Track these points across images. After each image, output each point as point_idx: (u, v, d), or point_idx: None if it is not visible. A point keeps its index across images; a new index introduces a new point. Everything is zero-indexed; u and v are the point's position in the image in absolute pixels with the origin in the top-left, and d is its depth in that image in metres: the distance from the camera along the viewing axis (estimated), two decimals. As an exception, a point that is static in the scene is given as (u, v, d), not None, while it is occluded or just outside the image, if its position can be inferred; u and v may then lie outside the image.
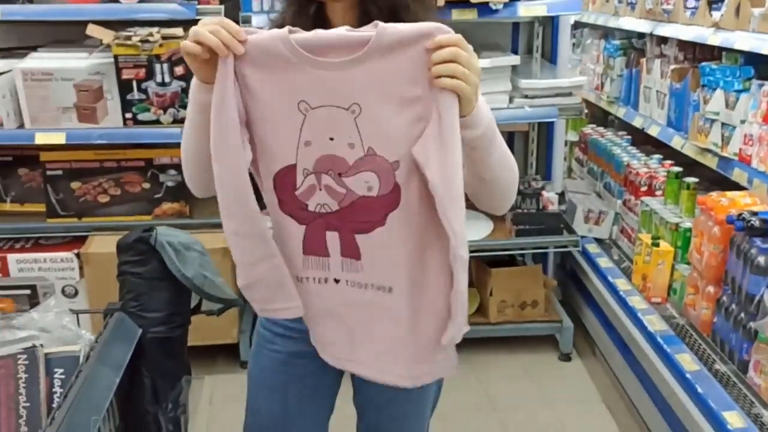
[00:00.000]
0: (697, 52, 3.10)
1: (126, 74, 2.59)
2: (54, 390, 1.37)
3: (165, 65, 2.59)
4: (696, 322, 2.39)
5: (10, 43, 3.03)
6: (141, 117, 2.65)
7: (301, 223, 1.21)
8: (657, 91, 3.17)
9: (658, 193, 2.94)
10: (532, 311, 3.07)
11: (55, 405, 1.34)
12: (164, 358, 1.54)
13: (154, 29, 2.60)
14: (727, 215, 2.19)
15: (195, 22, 2.70)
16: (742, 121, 2.44)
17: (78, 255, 2.78)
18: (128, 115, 2.65)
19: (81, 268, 2.79)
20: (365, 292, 1.22)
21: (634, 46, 3.64)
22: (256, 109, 1.15)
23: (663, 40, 3.26)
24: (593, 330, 3.04)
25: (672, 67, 3.05)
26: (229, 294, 1.64)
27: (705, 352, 2.26)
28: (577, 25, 4.27)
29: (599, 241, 3.20)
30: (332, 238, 1.20)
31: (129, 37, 2.56)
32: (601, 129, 3.79)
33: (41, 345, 1.37)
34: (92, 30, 2.62)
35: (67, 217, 2.84)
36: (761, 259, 2.02)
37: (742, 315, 2.10)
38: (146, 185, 2.84)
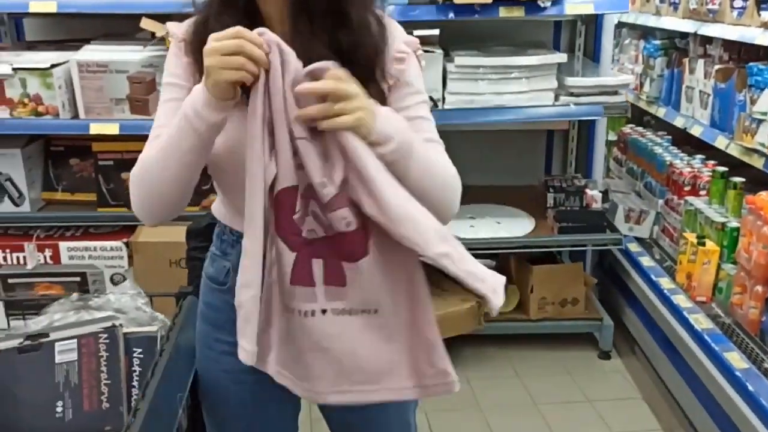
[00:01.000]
0: (742, 53, 3.09)
1: (179, 67, 2.64)
2: (133, 369, 1.40)
3: (218, 59, 2.63)
4: (743, 321, 2.39)
5: (61, 36, 3.09)
6: (193, 109, 2.69)
7: (292, 250, 1.17)
8: (700, 91, 3.17)
9: (702, 192, 2.94)
10: (573, 309, 3.08)
11: (134, 383, 1.38)
12: (233, 341, 1.58)
13: (207, 23, 2.64)
14: (778, 215, 2.19)
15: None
16: (792, 122, 2.44)
17: (127, 244, 2.84)
18: (180, 108, 2.69)
19: (130, 256, 2.85)
20: (353, 319, 1.17)
21: (675, 46, 3.63)
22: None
23: (707, 40, 3.25)
24: (634, 328, 3.05)
25: (716, 67, 3.05)
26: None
27: (753, 350, 2.26)
28: (616, 25, 4.26)
29: (639, 240, 3.21)
30: (317, 266, 1.17)
31: (183, 31, 2.60)
32: (640, 129, 3.79)
33: (120, 325, 1.41)
34: (146, 23, 2.67)
35: (117, 206, 2.90)
36: (815, 259, 2.02)
37: (793, 314, 2.11)
38: (194, 177, 2.88)
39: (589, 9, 2.73)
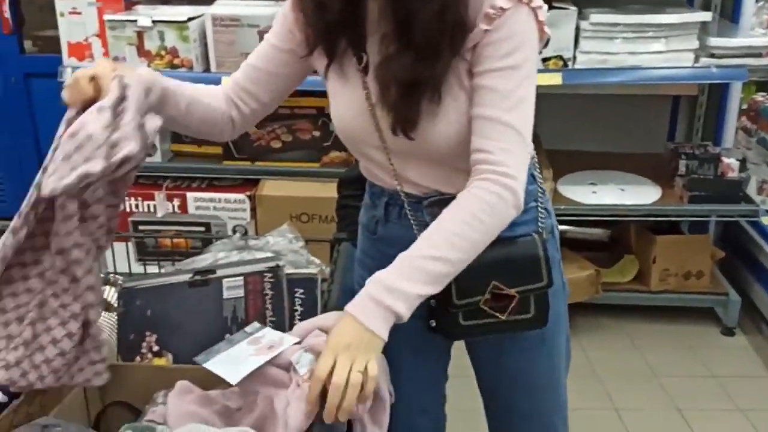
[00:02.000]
0: None
1: (309, 22, 2.65)
2: (295, 308, 1.44)
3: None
4: None
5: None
6: (320, 65, 2.71)
7: None
8: None
9: None
10: (697, 282, 2.97)
11: (296, 322, 1.41)
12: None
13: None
14: None
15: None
16: None
17: (250, 197, 2.90)
18: (308, 63, 2.72)
19: (252, 209, 2.92)
20: None
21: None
22: None
23: None
24: (763, 305, 2.91)
25: None
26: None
27: None
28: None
29: (771, 213, 3.04)
30: None
31: (315, -15, 2.61)
32: (774, 97, 3.57)
33: (284, 265, 1.44)
34: (277, -22, 2.69)
35: (241, 160, 2.97)
36: None
37: None
38: (316, 133, 2.92)
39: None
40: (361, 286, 1.38)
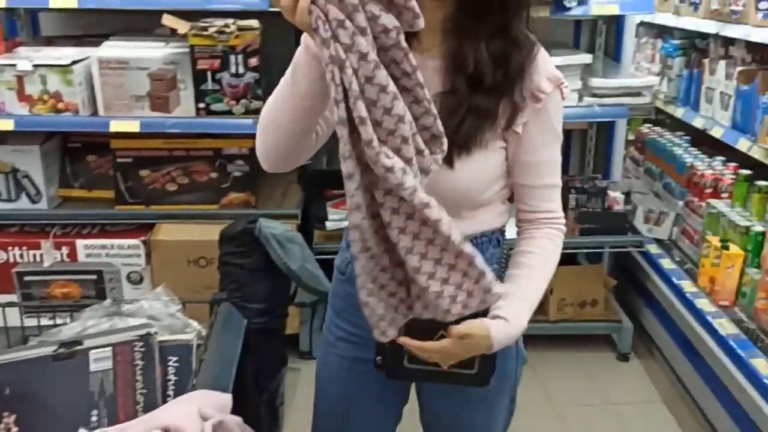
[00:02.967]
0: (765, 55, 3.06)
1: (201, 64, 2.62)
2: (168, 378, 1.39)
3: (240, 56, 2.60)
4: (768, 327, 2.38)
5: (78, 31, 3.06)
6: (214, 107, 2.67)
7: None
8: (721, 93, 3.14)
9: (724, 195, 2.92)
10: (592, 310, 3.07)
11: (170, 392, 1.37)
12: (265, 348, 1.57)
13: (230, 20, 2.61)
14: (808, 221, 2.17)
15: (268, 14, 2.73)
16: (819, 125, 2.42)
17: (145, 242, 2.82)
18: (201, 105, 2.67)
19: (147, 255, 2.83)
20: None
21: (695, 46, 3.60)
22: None
23: (728, 41, 3.22)
24: (653, 331, 3.03)
25: (739, 68, 3.02)
26: (326, 286, 1.66)
27: (779, 357, 2.25)
28: (634, 24, 4.23)
29: (658, 241, 3.19)
30: None
31: (205, 28, 2.58)
32: (658, 129, 3.77)
33: (156, 332, 1.39)
34: (167, 20, 2.64)
35: (135, 204, 2.88)
36: None
37: (822, 321, 2.09)
38: (214, 174, 2.87)
39: (614, 10, 2.70)
40: (327, 327, 1.42)
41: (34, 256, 2.81)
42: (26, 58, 2.59)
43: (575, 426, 2.65)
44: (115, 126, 2.65)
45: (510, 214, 1.40)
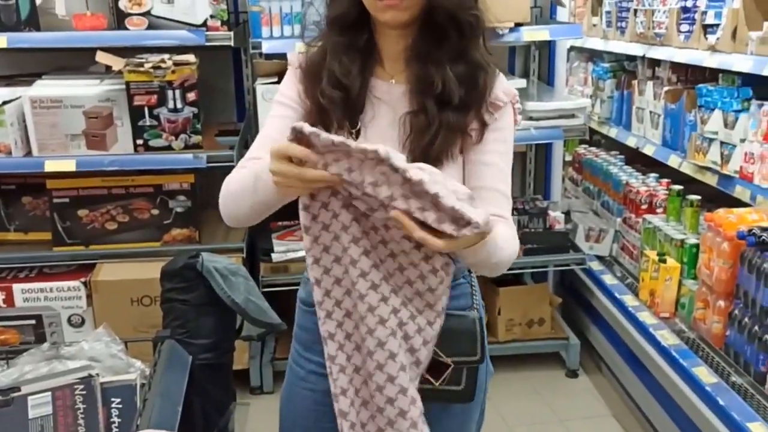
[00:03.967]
0: (689, 74, 3.21)
1: (138, 101, 2.59)
2: (112, 420, 1.35)
3: (177, 91, 2.59)
4: (707, 336, 2.45)
5: (12, 71, 3.00)
6: (152, 143, 2.64)
7: None
8: (650, 112, 3.27)
9: (659, 210, 3.02)
10: (539, 329, 3.12)
11: (114, 435, 1.33)
12: (213, 384, 1.54)
13: (165, 56, 2.60)
14: (737, 231, 2.26)
15: (204, 48, 2.73)
16: (742, 140, 2.54)
17: (85, 283, 2.74)
18: (139, 142, 2.64)
19: (89, 296, 2.75)
20: None
21: (624, 68, 3.75)
22: None
23: (654, 63, 3.37)
24: (599, 346, 3.09)
25: (665, 88, 3.16)
26: (273, 318, 1.64)
27: (719, 364, 2.32)
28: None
29: (600, 258, 3.27)
30: None
31: (141, 64, 2.56)
32: (594, 149, 3.89)
33: (97, 374, 1.35)
34: (102, 57, 2.61)
35: (73, 245, 2.80)
36: (775, 273, 2.09)
37: (757, 328, 2.17)
38: (155, 211, 2.82)
39: (544, 35, 2.79)
40: (295, 361, 1.42)
41: (-32, 303, 2.70)
42: (-46, 99, 2.53)
43: (529, 445, 2.68)
44: (51, 166, 2.59)
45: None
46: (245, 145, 2.68)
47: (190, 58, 2.60)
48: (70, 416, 1.32)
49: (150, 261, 2.75)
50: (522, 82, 2.84)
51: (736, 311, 2.28)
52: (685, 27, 2.97)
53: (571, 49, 4.33)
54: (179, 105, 2.61)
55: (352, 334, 1.27)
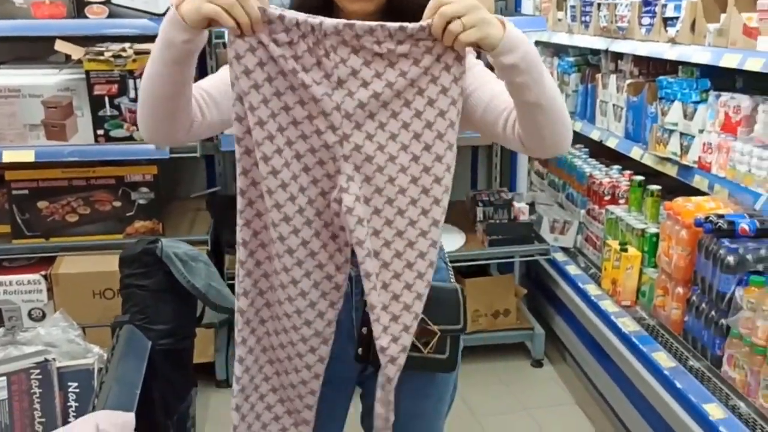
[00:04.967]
0: (651, 67, 3.26)
1: (98, 90, 2.55)
2: (69, 404, 1.33)
3: (138, 80, 2.56)
4: (666, 322, 2.50)
5: (-32, 60, 2.93)
6: (113, 134, 2.61)
7: None
8: (614, 105, 3.32)
9: (621, 201, 3.06)
10: (504, 320, 3.14)
11: (71, 420, 1.31)
12: (173, 370, 1.53)
13: (126, 44, 2.57)
14: (695, 219, 2.31)
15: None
16: (701, 131, 2.59)
17: (46, 276, 2.70)
18: (100, 132, 2.61)
19: (49, 290, 2.71)
20: None
21: (588, 62, 3.80)
22: None
23: (618, 56, 3.42)
24: (564, 335, 3.13)
25: (628, 81, 3.20)
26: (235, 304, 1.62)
27: (678, 350, 2.36)
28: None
29: (564, 249, 3.31)
30: None
31: (101, 53, 2.53)
32: (558, 142, 3.92)
33: (53, 359, 1.33)
34: (61, 46, 2.57)
35: (33, 237, 2.76)
36: (731, 259, 2.14)
37: (714, 313, 2.21)
38: (117, 203, 2.79)
39: (508, 28, 2.81)
40: None
41: (-77, 297, 2.64)
42: None
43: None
44: (8, 156, 2.55)
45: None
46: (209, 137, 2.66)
47: (150, 46, 2.56)
48: (25, 401, 1.30)
49: (112, 253, 2.65)
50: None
51: (694, 297, 2.33)
52: (646, 20, 3.01)
53: (537, 44, 4.38)
54: (141, 94, 2.58)
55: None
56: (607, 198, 3.11)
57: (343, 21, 1.15)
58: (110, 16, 2.59)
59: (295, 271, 1.25)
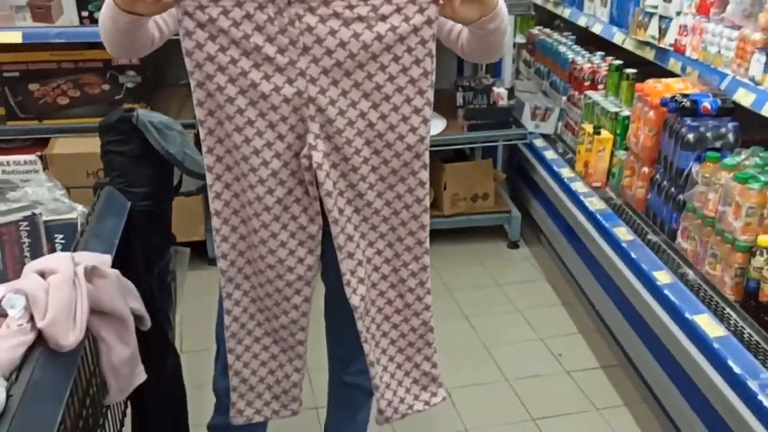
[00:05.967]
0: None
1: (80, -29, 2.59)
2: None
3: (120, -38, 2.58)
4: (632, 201, 2.62)
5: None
6: (97, 15, 2.64)
7: None
8: (600, -10, 3.30)
9: (601, 87, 3.12)
10: (483, 203, 3.28)
11: (58, 267, 1.45)
12: (152, 229, 1.66)
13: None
14: (661, 99, 2.38)
15: None
16: (678, 13, 2.61)
17: (41, 157, 2.82)
18: (84, 14, 2.66)
19: (45, 169, 2.83)
20: None
21: (576, -54, 3.73)
22: None
23: (605, -61, 3.36)
24: (540, 218, 3.27)
25: (613, -36, 3.18)
26: (209, 171, 1.74)
27: (639, 225, 2.50)
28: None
29: (545, 136, 3.39)
30: None
31: (81, -68, 2.54)
32: (547, 30, 3.92)
33: (40, 213, 1.46)
34: (41, -75, 2.58)
35: (27, 119, 2.86)
36: (690, 136, 2.23)
37: (673, 189, 2.33)
38: (105, 87, 2.87)
39: None
40: None
41: (-74, 176, 2.77)
42: None
43: (467, 305, 2.88)
44: (-7, 38, 2.61)
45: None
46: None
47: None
48: (16, 249, 1.44)
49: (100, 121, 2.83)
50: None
51: (657, 175, 2.44)
52: None
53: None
54: (123, -24, 2.61)
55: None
56: (587, 83, 3.15)
57: None
58: None
59: (273, 225, 1.36)
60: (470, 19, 1.30)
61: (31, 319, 1.06)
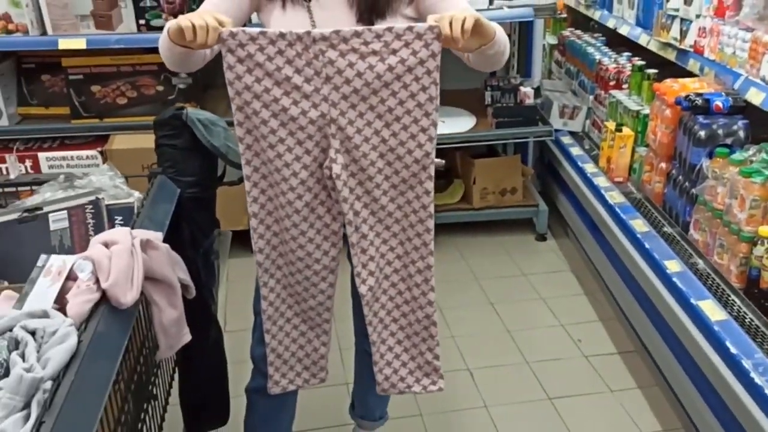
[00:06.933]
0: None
1: (138, -18, 2.84)
2: (116, 233, 1.70)
3: (174, -27, 2.83)
4: (651, 195, 2.74)
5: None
6: (153, 23, 2.90)
7: None
8: (628, -8, 3.41)
9: (625, 86, 3.23)
10: (512, 197, 3.42)
11: (117, 244, 1.67)
12: (198, 213, 1.88)
13: (162, -60, 2.82)
14: (675, 98, 2.50)
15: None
16: (698, 16, 2.72)
17: (102, 152, 3.09)
18: (141, 22, 2.91)
19: (105, 163, 3.09)
20: None
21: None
22: None
23: (634, -56, 3.47)
24: (566, 212, 3.40)
25: (641, -31, 3.28)
26: (249, 163, 1.95)
27: (656, 218, 2.61)
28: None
29: (573, 134, 3.52)
30: None
31: (139, -52, 2.79)
32: (578, 32, 4.04)
33: (103, 198, 1.69)
34: (104, -58, 2.83)
35: (89, 118, 3.13)
36: (702, 133, 2.35)
37: (686, 183, 2.45)
38: (160, 87, 3.12)
39: None
40: None
41: (1, 170, 3.07)
42: (-26, -18, 2.79)
43: (493, 293, 3.04)
44: (64, 44, 2.88)
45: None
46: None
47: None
48: (82, 229, 1.67)
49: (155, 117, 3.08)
50: (495, -36, 3.02)
51: (673, 171, 2.56)
52: None
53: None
54: (176, -14, 2.85)
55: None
56: (612, 83, 3.27)
57: (330, 29, 1.40)
58: None
59: (302, 225, 1.57)
60: (471, 49, 1.46)
61: (97, 281, 1.28)
